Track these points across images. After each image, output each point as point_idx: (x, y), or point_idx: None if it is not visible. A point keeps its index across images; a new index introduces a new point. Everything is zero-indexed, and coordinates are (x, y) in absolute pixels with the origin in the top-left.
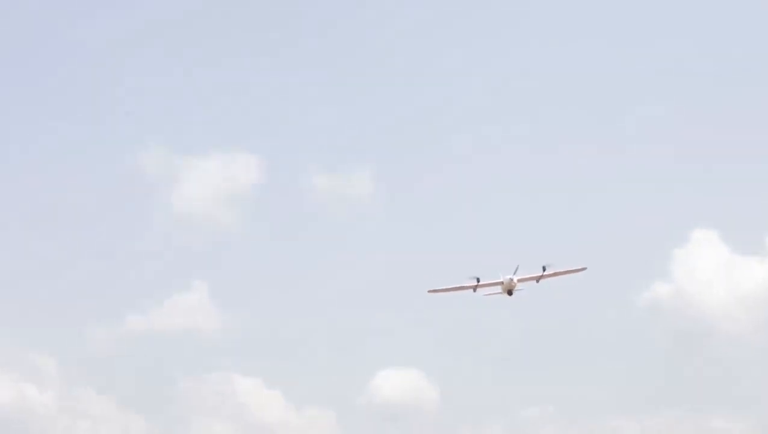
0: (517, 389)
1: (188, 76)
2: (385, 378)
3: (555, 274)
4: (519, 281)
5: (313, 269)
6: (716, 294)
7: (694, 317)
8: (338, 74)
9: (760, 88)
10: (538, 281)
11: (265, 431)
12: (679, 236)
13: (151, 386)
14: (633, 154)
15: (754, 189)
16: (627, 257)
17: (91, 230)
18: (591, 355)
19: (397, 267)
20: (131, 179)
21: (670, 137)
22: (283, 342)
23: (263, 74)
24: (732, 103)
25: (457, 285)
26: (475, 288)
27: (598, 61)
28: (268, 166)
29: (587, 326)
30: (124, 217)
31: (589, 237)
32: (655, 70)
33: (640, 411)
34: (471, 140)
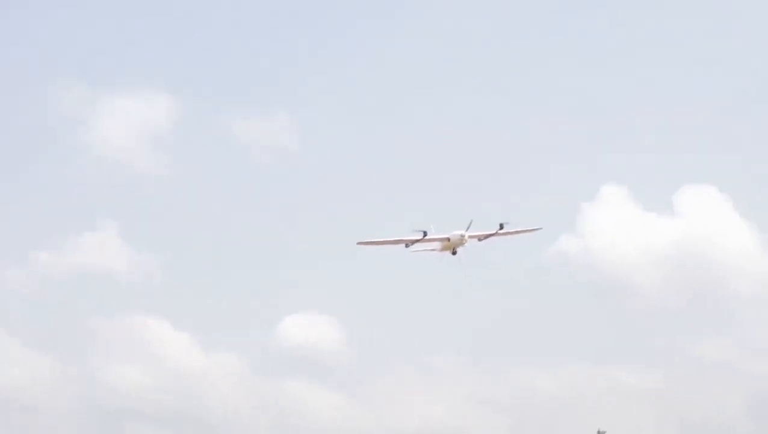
0: (426, 336)
1: (105, 10)
2: (294, 322)
3: (508, 233)
4: (470, 237)
5: (227, 212)
6: (624, 250)
7: (602, 271)
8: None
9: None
10: (480, 240)
11: (173, 373)
12: (589, 192)
13: (59, 326)
14: (548, 108)
15: (664, 148)
16: (536, 211)
17: None
18: (500, 306)
19: (315, 214)
20: (43, 116)
21: (584, 94)
22: (193, 284)
23: (184, 11)
24: (644, 62)
25: (396, 238)
26: (408, 244)
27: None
28: (186, 106)
29: (496, 277)
30: (35, 155)
31: (500, 190)
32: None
33: (550, 362)
34: None
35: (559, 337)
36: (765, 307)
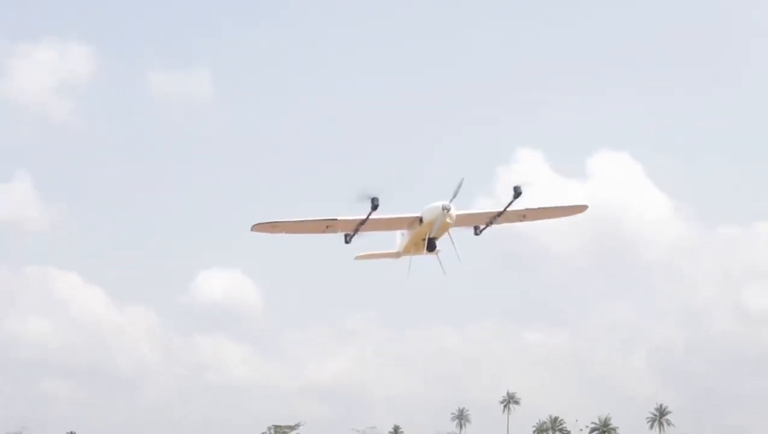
0: (342, 297)
1: None
2: (208, 278)
3: (537, 211)
4: (463, 217)
5: (142, 164)
6: None
7: (513, 235)
8: None
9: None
10: (478, 232)
11: (83, 327)
12: (504, 155)
13: None
14: (467, 72)
15: (579, 113)
16: (452, 175)
17: None
18: (415, 269)
19: (233, 170)
20: None
21: (503, 60)
22: (107, 238)
23: None
24: (561, 23)
25: (318, 217)
26: (348, 237)
27: None
28: (104, 58)
29: None
30: None
31: (414, 154)
32: None
33: (460, 323)
34: None
35: (470, 298)
36: (669, 272)
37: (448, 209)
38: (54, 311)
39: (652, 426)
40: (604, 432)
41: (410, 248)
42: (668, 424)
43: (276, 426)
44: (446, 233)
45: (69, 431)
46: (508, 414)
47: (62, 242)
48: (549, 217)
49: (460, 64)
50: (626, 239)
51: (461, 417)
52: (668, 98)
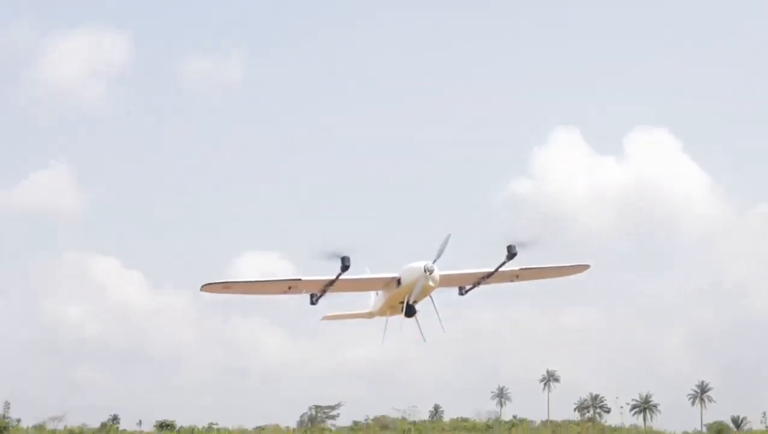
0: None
1: None
2: (245, 261)
3: (530, 269)
4: (447, 278)
5: (178, 151)
6: (575, 191)
7: (551, 213)
8: None
9: None
10: (464, 293)
11: (122, 312)
12: (541, 135)
13: (9, 265)
14: (500, 55)
15: (617, 91)
16: (488, 154)
17: None
18: (450, 251)
19: (270, 154)
20: None
21: (544, 39)
22: (144, 223)
23: None
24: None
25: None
26: (314, 297)
27: None
28: (139, 44)
29: (448, 219)
30: None
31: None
32: None
33: (498, 303)
34: None
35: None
36: (707, 249)
37: (431, 271)
38: (92, 296)
39: (693, 403)
40: (645, 408)
41: (386, 310)
42: (709, 401)
43: (317, 406)
44: (428, 297)
45: (112, 414)
46: (548, 392)
47: (99, 227)
48: (545, 277)
49: (499, 36)
50: (663, 216)
51: (501, 396)
52: (709, 74)
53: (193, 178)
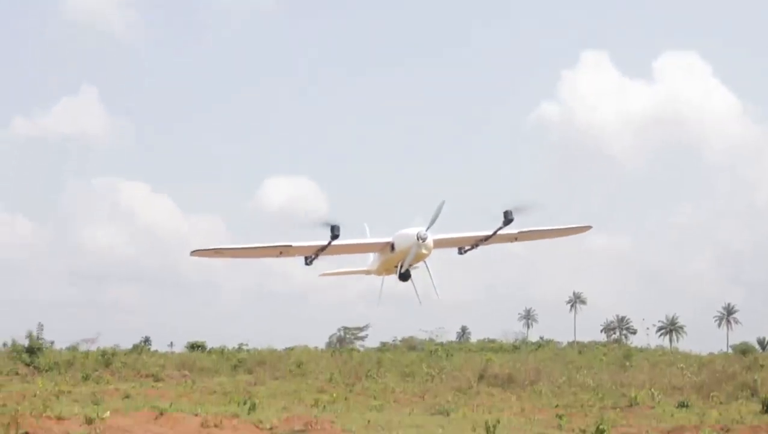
0: (408, 203)
1: None
2: (273, 185)
3: (529, 232)
4: (441, 242)
5: (206, 77)
6: (603, 115)
7: (580, 136)
8: None
9: None
10: (463, 252)
11: (152, 236)
12: (569, 58)
13: (39, 191)
14: None
15: (647, 14)
16: (516, 78)
17: None
18: (480, 170)
19: (295, 79)
20: None
21: None
22: (172, 148)
23: None
24: None
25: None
26: (308, 259)
27: None
28: None
29: (477, 141)
30: (12, 21)
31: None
32: None
33: (526, 221)
34: None
35: (534, 200)
36: (736, 171)
37: (424, 239)
38: (122, 220)
39: (719, 325)
40: (672, 330)
41: (382, 271)
42: (735, 323)
43: (345, 328)
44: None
45: (144, 336)
46: (575, 313)
47: (129, 153)
48: (544, 238)
49: None
50: (693, 139)
51: (528, 317)
52: None
53: (222, 101)
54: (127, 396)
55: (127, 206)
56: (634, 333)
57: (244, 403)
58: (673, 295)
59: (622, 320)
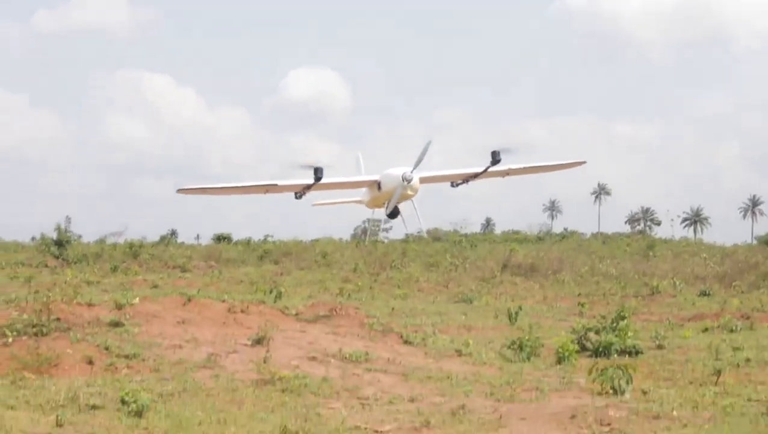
0: (432, 95)
1: None
2: (297, 77)
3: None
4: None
5: None
6: (629, 4)
7: (605, 26)
8: None
9: None
10: (455, 185)
11: (176, 129)
12: None
13: (63, 85)
14: None
15: None
16: None
17: None
18: (505, 64)
19: None
20: None
21: None
22: (196, 40)
23: None
24: None
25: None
26: (299, 193)
27: None
28: None
29: (500, 35)
30: None
31: None
32: None
33: (548, 115)
34: None
35: (559, 91)
36: (764, 63)
37: (409, 181)
38: (147, 113)
39: (744, 217)
40: (696, 221)
41: (372, 205)
42: (761, 214)
43: (370, 220)
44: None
45: (170, 229)
46: (599, 205)
47: (153, 45)
48: (536, 173)
49: None
50: (720, 28)
51: (552, 209)
52: None
53: None
54: (155, 286)
55: (152, 99)
56: (659, 224)
57: (270, 292)
58: (698, 186)
59: (646, 211)
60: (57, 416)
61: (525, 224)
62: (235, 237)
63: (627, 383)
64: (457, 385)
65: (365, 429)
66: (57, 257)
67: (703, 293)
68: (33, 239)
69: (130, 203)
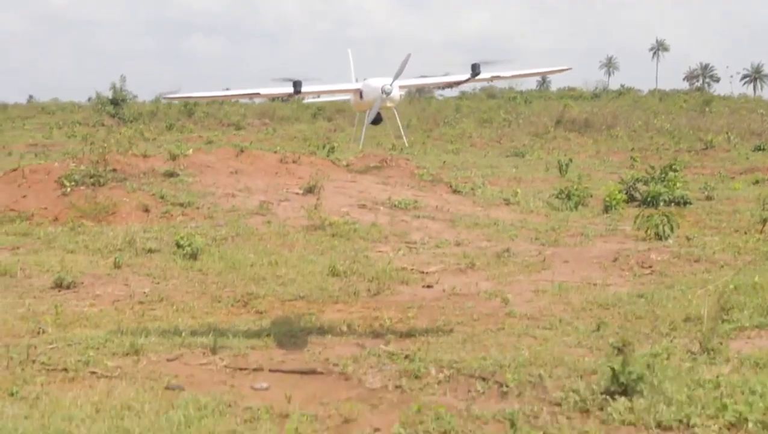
0: None
1: None
2: None
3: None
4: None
5: None
6: None
7: None
8: None
9: None
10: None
11: None
12: None
13: None
14: None
15: None
16: None
17: None
18: None
19: None
20: None
21: None
22: None
23: None
24: None
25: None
26: (287, 96)
27: None
28: None
29: None
30: None
31: None
32: None
33: None
34: None
35: None
36: None
37: (388, 93)
38: None
39: None
40: (756, 78)
41: (357, 109)
42: None
43: (423, 76)
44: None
45: (225, 87)
46: (657, 62)
47: None
48: (520, 78)
49: None
50: None
51: (609, 66)
52: None
53: None
54: (210, 142)
55: None
56: (718, 81)
57: (323, 147)
58: (759, 43)
59: (705, 68)
60: (115, 258)
61: (581, 81)
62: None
63: (671, 229)
64: (504, 231)
65: (412, 270)
66: (113, 116)
67: (758, 148)
68: (89, 99)
69: (184, 61)
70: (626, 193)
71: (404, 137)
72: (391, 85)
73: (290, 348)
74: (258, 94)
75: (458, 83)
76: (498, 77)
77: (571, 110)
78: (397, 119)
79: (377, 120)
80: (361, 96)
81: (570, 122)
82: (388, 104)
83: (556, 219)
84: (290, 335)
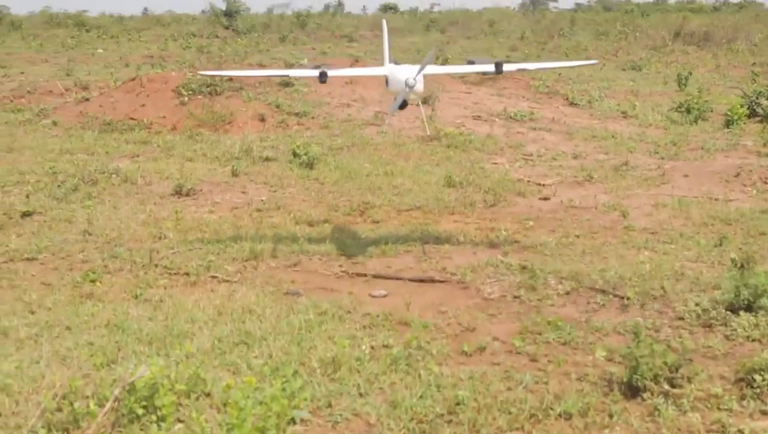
0: None
1: None
2: None
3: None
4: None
5: None
6: None
7: None
8: None
9: None
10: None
11: None
12: None
13: None
14: None
15: None
16: None
17: None
18: None
19: None
20: None
21: None
22: None
23: None
24: None
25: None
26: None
27: None
28: None
29: None
30: None
31: None
32: None
33: None
34: None
35: None
36: None
37: (411, 87)
38: None
39: None
40: None
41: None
42: None
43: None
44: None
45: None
46: None
47: None
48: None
49: None
50: None
51: None
52: None
53: None
54: (324, 53)
55: None
56: None
57: (437, 58)
58: None
59: None
60: (233, 166)
61: None
62: (401, 7)
63: None
64: (622, 144)
65: (528, 182)
66: (227, 28)
67: None
68: (203, 11)
69: None
70: (748, 107)
71: (427, 129)
72: (414, 78)
73: (406, 256)
74: (288, 76)
75: (486, 73)
76: (524, 70)
77: (690, 23)
78: (422, 111)
79: (403, 106)
80: (387, 83)
81: (689, 35)
82: (412, 97)
83: (675, 133)
84: (405, 243)
